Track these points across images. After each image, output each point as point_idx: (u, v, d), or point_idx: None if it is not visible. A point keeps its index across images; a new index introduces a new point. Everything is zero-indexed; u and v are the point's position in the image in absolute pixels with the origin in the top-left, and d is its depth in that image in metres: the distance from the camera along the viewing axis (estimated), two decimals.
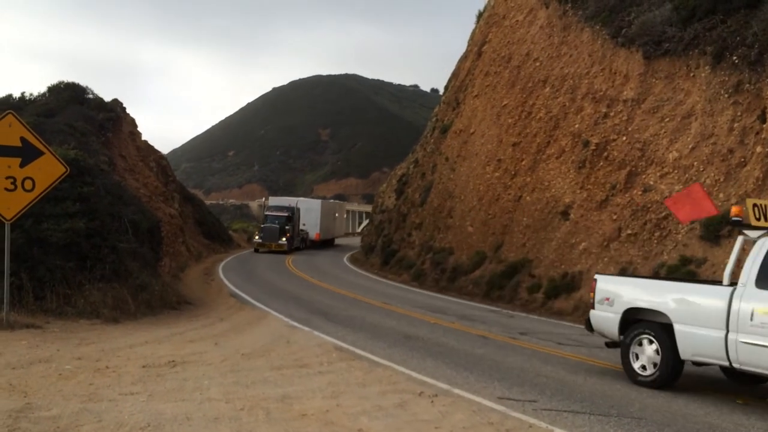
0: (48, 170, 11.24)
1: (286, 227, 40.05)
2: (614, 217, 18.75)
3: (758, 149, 15.25)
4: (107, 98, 28.73)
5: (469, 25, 40.48)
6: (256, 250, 39.24)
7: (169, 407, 6.58)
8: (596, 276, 10.52)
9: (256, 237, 40.48)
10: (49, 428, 5.72)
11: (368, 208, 67.31)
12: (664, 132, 18.24)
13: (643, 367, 8.90)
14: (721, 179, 15.96)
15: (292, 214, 41.71)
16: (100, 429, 5.79)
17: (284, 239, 38.92)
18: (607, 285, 9.95)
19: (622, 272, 17.40)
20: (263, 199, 47.22)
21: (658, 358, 8.70)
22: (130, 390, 7.27)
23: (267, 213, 42.22)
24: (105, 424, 5.94)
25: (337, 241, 55.54)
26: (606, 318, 9.58)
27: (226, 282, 22.86)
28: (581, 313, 17.54)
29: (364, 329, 13.25)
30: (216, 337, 11.76)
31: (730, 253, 14.66)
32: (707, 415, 7.49)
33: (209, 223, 43.36)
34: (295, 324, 13.48)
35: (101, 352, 9.48)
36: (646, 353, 8.86)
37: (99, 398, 6.85)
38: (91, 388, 7.27)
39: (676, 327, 8.45)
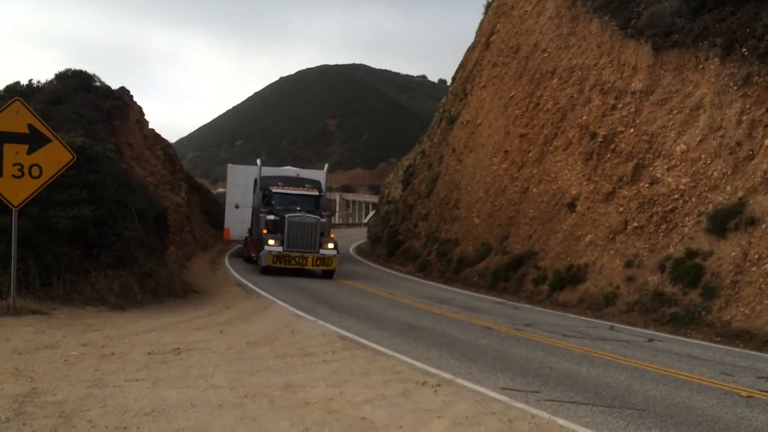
0: (55, 157, 11.26)
1: (322, 220, 22.08)
2: (621, 209, 18.69)
3: (766, 142, 15.16)
4: (114, 86, 28.84)
5: (477, 15, 40.19)
6: (267, 270, 21.05)
7: (173, 393, 6.62)
8: None
9: (271, 242, 20.98)
10: (54, 413, 5.76)
11: (375, 199, 67.25)
12: (672, 124, 18.14)
13: None
14: (729, 172, 15.88)
15: (322, 194, 23.78)
16: (104, 414, 5.83)
17: (332, 246, 21.47)
18: None
19: (628, 265, 17.38)
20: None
21: None
22: (135, 376, 7.31)
23: (275, 190, 22.80)
24: (110, 409, 5.98)
25: None
26: None
27: (232, 271, 22.93)
28: (586, 305, 17.56)
29: (369, 319, 13.28)
30: (221, 325, 11.81)
31: (736, 246, 14.66)
32: (710, 407, 7.48)
33: (216, 212, 43.41)
34: (300, 313, 13.51)
35: (107, 339, 9.53)
36: None
37: (104, 384, 6.89)
38: (96, 374, 7.32)
39: None
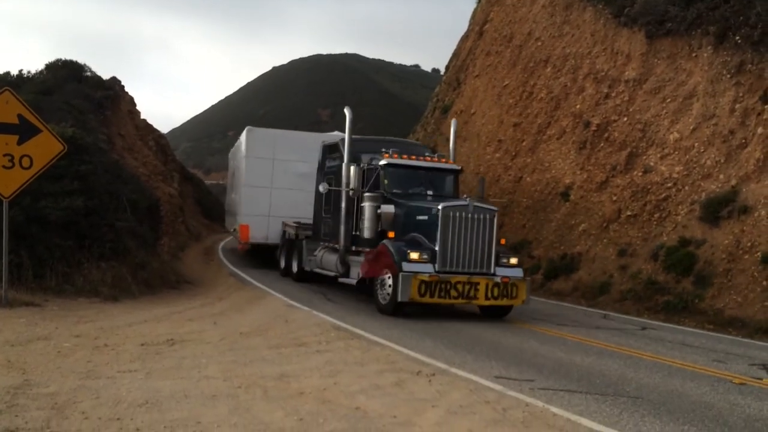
0: (46, 148, 11.18)
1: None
2: (614, 198, 18.71)
3: (759, 130, 15.18)
4: (105, 76, 28.61)
5: (470, 3, 39.93)
6: (400, 309, 12.16)
7: (166, 384, 6.60)
8: None
9: (413, 256, 11.88)
10: (47, 404, 5.73)
11: None
12: (666, 113, 18.15)
13: None
14: (722, 160, 15.91)
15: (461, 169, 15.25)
16: (97, 405, 5.80)
17: (515, 261, 12.82)
18: None
19: (621, 253, 17.42)
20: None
21: None
22: (128, 367, 7.29)
23: (385, 162, 13.72)
24: (103, 400, 5.95)
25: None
26: None
27: (226, 262, 22.87)
28: (580, 294, 17.60)
29: (363, 309, 13.27)
30: (215, 316, 11.78)
31: (729, 234, 14.71)
32: (703, 394, 7.51)
33: (209, 202, 43.41)
34: (294, 303, 13.49)
35: (100, 330, 9.49)
36: None
37: (97, 375, 6.86)
38: (89, 366, 7.29)
39: None
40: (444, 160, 14.92)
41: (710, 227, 15.33)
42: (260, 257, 21.72)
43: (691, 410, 6.83)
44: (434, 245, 12.05)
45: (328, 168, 15.98)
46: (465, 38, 34.55)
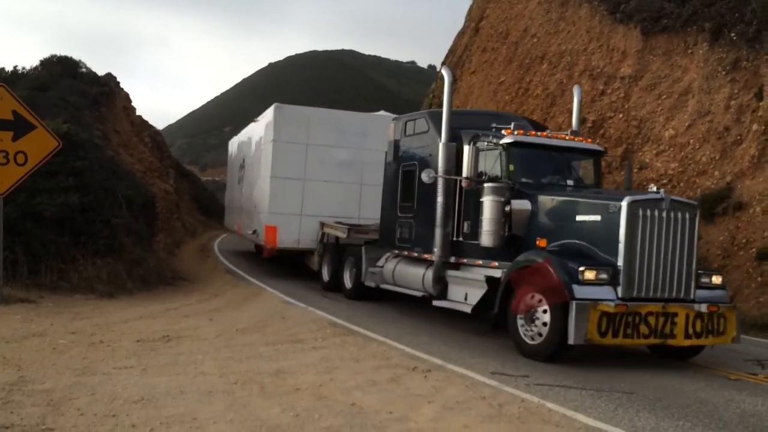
0: (40, 144, 11.16)
1: None
2: None
3: (754, 127, 15.22)
4: (101, 72, 28.52)
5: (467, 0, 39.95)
6: (561, 353, 8.51)
7: (162, 381, 6.60)
8: None
9: (588, 275, 8.19)
10: (42, 401, 5.73)
11: None
12: (661, 109, 18.19)
13: None
14: (717, 157, 15.96)
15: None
16: (93, 402, 5.79)
17: (719, 280, 9.15)
18: None
19: None
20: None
21: None
22: (124, 364, 7.28)
23: (510, 140, 9.88)
24: (98, 396, 5.95)
25: None
26: None
27: (222, 258, 22.83)
28: None
29: (360, 306, 13.25)
30: (211, 312, 11.77)
31: (724, 230, 14.76)
32: (698, 390, 7.54)
33: (205, 199, 43.37)
34: (291, 300, 13.48)
35: (95, 327, 9.48)
36: None
37: (93, 372, 6.86)
38: (84, 362, 7.28)
39: None
40: (580, 138, 11.14)
41: (705, 223, 15.36)
42: (283, 262, 18.79)
43: (687, 405, 6.85)
44: (614, 259, 8.41)
45: (404, 153, 12.43)
46: (461, 35, 34.52)
